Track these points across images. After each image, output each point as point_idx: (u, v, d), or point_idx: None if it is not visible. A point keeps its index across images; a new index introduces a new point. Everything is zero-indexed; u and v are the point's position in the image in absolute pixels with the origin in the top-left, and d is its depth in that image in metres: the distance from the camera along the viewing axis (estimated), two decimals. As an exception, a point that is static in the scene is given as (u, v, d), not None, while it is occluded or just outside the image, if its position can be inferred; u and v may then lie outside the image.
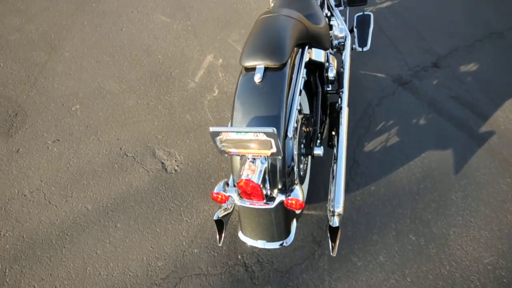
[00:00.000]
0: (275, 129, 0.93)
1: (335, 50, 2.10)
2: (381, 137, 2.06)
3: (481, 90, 2.29)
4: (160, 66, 2.50)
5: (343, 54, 2.06)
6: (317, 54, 1.48)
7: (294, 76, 1.21)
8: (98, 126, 2.10)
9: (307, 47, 1.43)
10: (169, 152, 1.96)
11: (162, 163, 1.91)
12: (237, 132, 0.96)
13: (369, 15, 2.20)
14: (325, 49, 1.52)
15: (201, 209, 1.71)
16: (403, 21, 2.91)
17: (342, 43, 2.06)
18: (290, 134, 1.11)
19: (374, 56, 2.56)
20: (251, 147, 1.01)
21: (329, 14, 2.04)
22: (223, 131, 0.98)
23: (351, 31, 2.26)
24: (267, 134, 0.94)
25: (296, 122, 1.24)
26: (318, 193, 1.80)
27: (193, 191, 1.79)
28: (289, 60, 1.18)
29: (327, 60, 1.68)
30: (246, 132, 0.95)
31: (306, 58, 1.39)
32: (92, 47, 2.63)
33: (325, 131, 1.71)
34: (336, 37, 2.02)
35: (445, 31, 2.79)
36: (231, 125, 1.15)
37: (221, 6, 3.07)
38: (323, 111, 1.68)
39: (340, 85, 1.67)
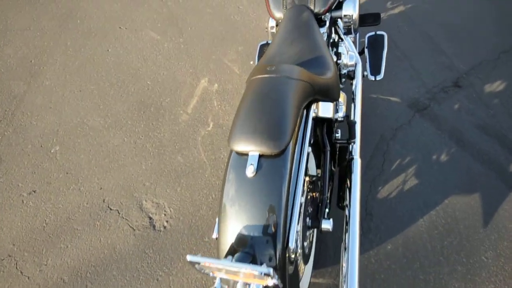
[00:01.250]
0: (271, 270, 0.69)
1: (344, 79, 1.83)
2: (397, 179, 1.80)
3: (511, 116, 2.00)
4: (149, 94, 2.24)
5: (353, 83, 1.79)
6: (325, 109, 1.22)
7: (296, 163, 0.95)
8: (79, 172, 1.87)
9: (313, 105, 1.17)
10: (157, 204, 1.73)
11: (150, 218, 1.68)
12: (221, 265, 0.72)
13: (382, 36, 1.91)
14: (334, 100, 1.26)
15: (193, 278, 1.49)
16: (419, 30, 2.60)
17: (352, 71, 1.79)
18: (291, 244, 0.86)
19: (386, 74, 2.28)
20: (242, 276, 0.77)
21: (336, 38, 1.76)
22: (203, 262, 0.74)
23: (361, 53, 1.98)
24: (260, 276, 0.70)
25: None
26: (326, 251, 1.56)
27: (184, 254, 1.56)
28: (291, 142, 0.93)
29: (336, 105, 1.42)
30: (233, 268, 0.71)
31: (310, 122, 1.13)
32: (75, 73, 2.39)
33: (333, 187, 1.46)
34: (346, 66, 1.75)
35: (466, 42, 2.48)
36: (218, 224, 0.91)
37: (217, 18, 2.79)
38: (332, 165, 1.43)
39: (352, 135, 1.41)
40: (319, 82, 1.14)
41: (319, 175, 1.36)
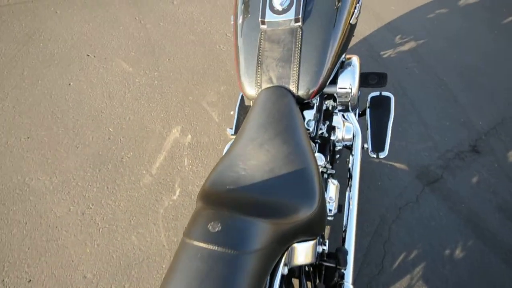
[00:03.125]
0: None
1: (338, 156, 1.44)
2: (401, 282, 1.42)
3: (543, 203, 1.62)
4: (110, 146, 1.85)
5: (350, 160, 1.41)
6: (303, 253, 0.83)
7: None
8: (7, 255, 1.49)
9: (284, 255, 0.78)
10: (98, 307, 1.35)
11: (86, 327, 1.31)
12: None
13: (388, 98, 1.51)
14: (315, 236, 0.87)
15: None
16: (431, 73, 2.20)
17: (350, 145, 1.41)
18: None
19: (392, 130, 1.88)
20: None
21: (330, 107, 1.36)
22: None
23: (362, 114, 1.59)
24: None
25: None
26: None
27: None
28: None
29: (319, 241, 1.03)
30: None
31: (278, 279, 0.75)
32: (26, 113, 1.99)
33: None
34: (342, 140, 1.36)
35: (485, 91, 2.08)
36: None
37: (200, 46, 2.38)
38: None
39: (341, 262, 1.02)
40: (296, 226, 0.75)
41: None
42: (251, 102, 1.11)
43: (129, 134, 1.91)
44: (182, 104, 2.05)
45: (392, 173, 1.74)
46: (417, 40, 2.42)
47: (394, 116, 1.49)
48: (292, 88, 0.98)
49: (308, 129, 1.07)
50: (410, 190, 1.68)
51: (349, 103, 1.18)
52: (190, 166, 1.78)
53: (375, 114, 1.51)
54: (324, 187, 0.92)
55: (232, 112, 1.96)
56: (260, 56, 1.01)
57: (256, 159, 0.88)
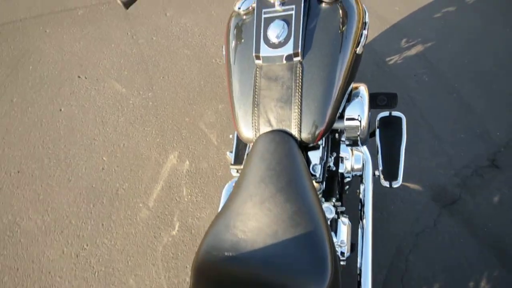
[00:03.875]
0: None
1: (347, 187, 1.32)
2: (421, 323, 1.29)
3: None
4: (104, 178, 1.74)
5: (361, 192, 1.28)
6: None
7: None
8: (-1, 304, 1.39)
9: None
10: None
11: None
12: None
13: (399, 119, 1.37)
14: None
15: None
16: (441, 80, 2.04)
17: (360, 175, 1.28)
18: None
19: (403, 147, 1.74)
20: None
21: (336, 137, 1.23)
22: None
23: (371, 134, 1.45)
24: None
25: None
26: None
27: None
28: None
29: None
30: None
31: None
32: (16, 145, 1.89)
33: None
34: (351, 171, 1.24)
35: (501, 98, 1.93)
36: None
37: (196, 62, 2.25)
38: None
39: None
40: None
41: None
42: (249, 144, 0.98)
43: (124, 163, 1.79)
44: (178, 127, 1.92)
45: (406, 195, 1.61)
46: (425, 43, 2.26)
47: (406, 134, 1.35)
48: (294, 132, 0.85)
49: (315, 175, 0.94)
50: (427, 214, 1.54)
51: (358, 138, 1.05)
52: (189, 196, 1.66)
53: (386, 136, 1.37)
54: (335, 251, 0.80)
55: (231, 136, 1.83)
56: (256, 96, 0.88)
57: (256, 220, 0.76)
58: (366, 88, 1.06)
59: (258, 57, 0.87)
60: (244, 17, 0.95)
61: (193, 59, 2.27)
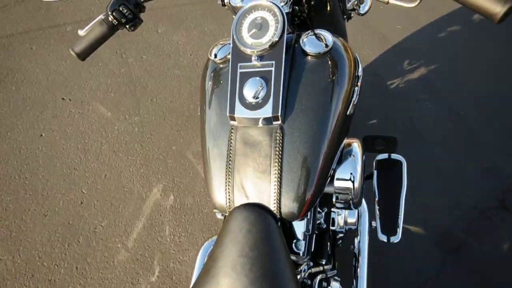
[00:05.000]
0: None
1: (340, 241, 1.18)
2: None
3: None
4: (82, 213, 1.61)
5: (355, 246, 1.15)
6: None
7: None
8: None
9: None
10: None
11: None
12: None
13: (399, 163, 1.23)
14: None
15: None
16: (445, 106, 1.91)
17: (355, 229, 1.15)
18: None
19: (404, 182, 1.60)
20: None
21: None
22: None
23: (368, 177, 1.32)
24: None
25: None
26: None
27: None
28: None
29: None
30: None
31: None
32: (-8, 174, 1.77)
33: None
34: (344, 225, 1.10)
35: (511, 128, 1.78)
36: None
37: (186, 83, 2.13)
38: None
39: None
40: None
41: None
42: (223, 217, 0.85)
43: (104, 196, 1.66)
44: (164, 156, 1.79)
45: (407, 240, 1.46)
46: (428, 65, 2.12)
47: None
48: (273, 207, 0.72)
49: (298, 252, 0.80)
50: (430, 263, 1.40)
51: (351, 201, 0.91)
52: (172, 236, 1.52)
53: (384, 180, 1.23)
54: None
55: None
56: (230, 161, 0.74)
57: None
58: (360, 145, 0.93)
59: (232, 118, 0.74)
60: (221, 65, 0.82)
61: (183, 81, 2.14)
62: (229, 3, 1.05)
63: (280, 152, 0.71)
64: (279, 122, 0.71)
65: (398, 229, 1.15)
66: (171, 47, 2.34)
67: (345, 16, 1.15)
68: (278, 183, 0.71)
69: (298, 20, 1.00)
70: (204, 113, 0.81)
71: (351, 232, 1.17)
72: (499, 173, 1.64)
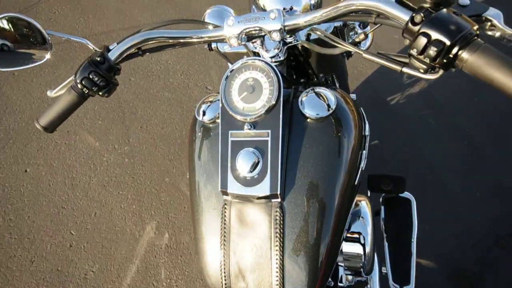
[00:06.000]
0: None
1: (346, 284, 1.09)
2: None
3: None
4: (71, 258, 1.51)
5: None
6: None
7: None
8: None
9: None
10: None
11: None
12: None
13: (407, 202, 1.15)
14: None
15: None
16: (450, 123, 1.82)
17: (364, 280, 1.07)
18: None
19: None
20: None
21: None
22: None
23: (377, 213, 1.23)
24: None
25: None
26: None
27: None
28: None
29: None
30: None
31: None
32: (-26, 217, 1.66)
33: None
34: (354, 277, 1.02)
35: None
36: None
37: (177, 106, 2.03)
38: None
39: None
40: None
41: None
42: None
43: (95, 237, 1.56)
44: (157, 189, 1.70)
45: (416, 273, 1.38)
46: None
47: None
48: None
49: None
50: (441, 299, 1.32)
51: (362, 269, 0.83)
52: (168, 280, 1.43)
53: (392, 220, 1.15)
54: None
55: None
56: (225, 241, 0.65)
57: None
58: (368, 203, 0.84)
59: (225, 193, 0.65)
60: (211, 125, 0.72)
61: (174, 104, 2.04)
62: (217, 48, 0.96)
63: (281, 234, 0.62)
64: (279, 200, 0.62)
65: (411, 277, 1.07)
66: (160, 67, 2.24)
67: (344, 54, 1.07)
68: (281, 271, 0.62)
69: (294, 62, 0.91)
70: (194, 182, 0.72)
71: (361, 283, 1.08)
72: (509, 196, 1.56)
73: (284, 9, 0.90)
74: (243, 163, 0.62)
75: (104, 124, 1.97)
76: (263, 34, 0.68)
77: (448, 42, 0.47)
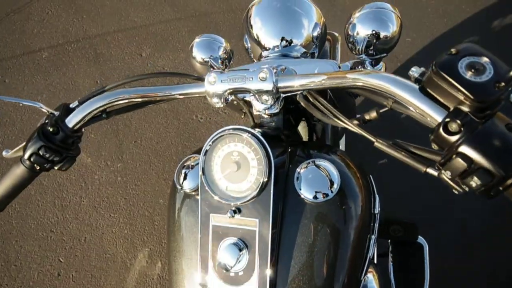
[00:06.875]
0: None
1: None
2: None
3: None
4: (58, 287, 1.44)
5: None
6: None
7: None
8: None
9: None
10: None
11: None
12: None
13: (419, 248, 1.03)
14: None
15: None
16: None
17: None
18: None
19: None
20: None
21: None
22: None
23: (382, 255, 1.12)
24: None
25: None
26: None
27: None
28: None
29: None
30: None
31: None
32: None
33: None
34: None
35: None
36: None
37: (173, 118, 1.91)
38: None
39: None
40: None
41: None
42: None
43: (84, 265, 1.48)
44: (150, 212, 1.60)
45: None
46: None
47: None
48: None
49: None
50: None
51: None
52: (161, 316, 1.35)
53: (401, 267, 1.03)
54: None
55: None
56: None
57: None
58: (376, 276, 0.73)
59: (204, 286, 0.54)
60: (192, 196, 0.61)
61: (170, 116, 1.93)
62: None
63: None
64: None
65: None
66: (156, 75, 2.11)
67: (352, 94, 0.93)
68: None
69: (293, 105, 0.78)
70: (173, 261, 0.61)
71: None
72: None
73: (282, 46, 0.77)
74: (226, 256, 0.51)
75: (97, 138, 1.87)
76: (251, 94, 0.56)
77: (500, 174, 0.34)
